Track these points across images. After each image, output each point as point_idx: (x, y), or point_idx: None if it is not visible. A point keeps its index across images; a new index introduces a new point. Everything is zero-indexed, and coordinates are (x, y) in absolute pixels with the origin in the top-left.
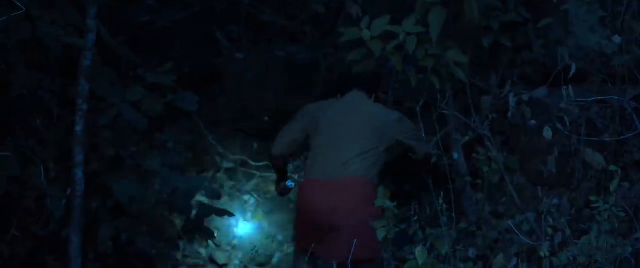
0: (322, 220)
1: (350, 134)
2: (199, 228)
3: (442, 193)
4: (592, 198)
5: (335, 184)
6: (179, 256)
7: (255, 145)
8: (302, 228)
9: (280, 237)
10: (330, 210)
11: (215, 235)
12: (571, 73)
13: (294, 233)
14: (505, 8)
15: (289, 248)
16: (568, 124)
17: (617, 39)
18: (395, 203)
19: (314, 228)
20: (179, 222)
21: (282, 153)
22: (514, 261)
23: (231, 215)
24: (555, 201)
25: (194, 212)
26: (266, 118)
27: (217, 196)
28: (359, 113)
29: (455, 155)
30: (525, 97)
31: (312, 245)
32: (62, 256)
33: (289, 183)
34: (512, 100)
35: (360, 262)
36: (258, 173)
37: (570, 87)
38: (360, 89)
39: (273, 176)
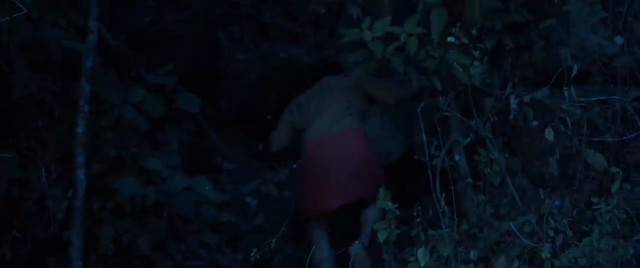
0: (328, 169)
1: (333, 100)
2: (201, 231)
3: (443, 194)
4: (594, 199)
5: (334, 136)
6: (180, 258)
7: (259, 146)
8: (312, 189)
9: (280, 240)
10: (333, 158)
11: (216, 237)
12: (573, 74)
13: (304, 205)
14: (507, 9)
15: (288, 250)
16: (570, 125)
17: (619, 39)
18: (396, 205)
19: (322, 181)
20: (181, 223)
21: (281, 149)
22: (516, 263)
23: (234, 222)
24: (556, 202)
25: (196, 214)
26: (269, 117)
27: (220, 200)
28: (333, 84)
29: (457, 157)
30: (526, 98)
31: (326, 202)
32: (64, 258)
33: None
34: (513, 101)
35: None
36: (260, 175)
37: (572, 87)
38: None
39: (274, 177)
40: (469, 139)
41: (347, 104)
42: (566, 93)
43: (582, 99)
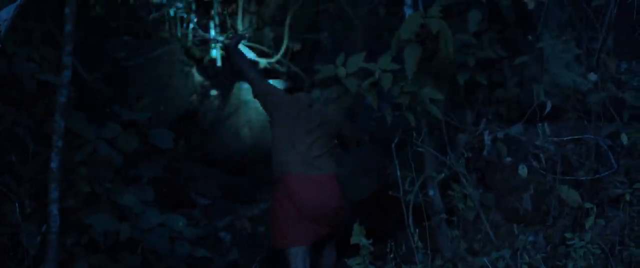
0: (300, 210)
1: (304, 128)
2: (175, 266)
3: (417, 230)
4: (568, 235)
5: (310, 179)
6: None
7: (232, 181)
8: (281, 224)
9: None
10: (307, 201)
11: None
12: (546, 110)
13: (275, 236)
14: (481, 45)
15: None
16: (543, 161)
17: (592, 76)
18: (371, 241)
19: (293, 220)
20: (154, 259)
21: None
22: None
23: (208, 258)
24: (530, 238)
25: (170, 249)
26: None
27: (194, 236)
28: (305, 108)
29: (431, 192)
30: (500, 135)
31: (293, 241)
32: None
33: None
34: (487, 137)
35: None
36: (234, 210)
37: (545, 124)
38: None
39: (248, 212)
40: (443, 175)
41: (317, 137)
42: (540, 129)
43: (556, 136)
